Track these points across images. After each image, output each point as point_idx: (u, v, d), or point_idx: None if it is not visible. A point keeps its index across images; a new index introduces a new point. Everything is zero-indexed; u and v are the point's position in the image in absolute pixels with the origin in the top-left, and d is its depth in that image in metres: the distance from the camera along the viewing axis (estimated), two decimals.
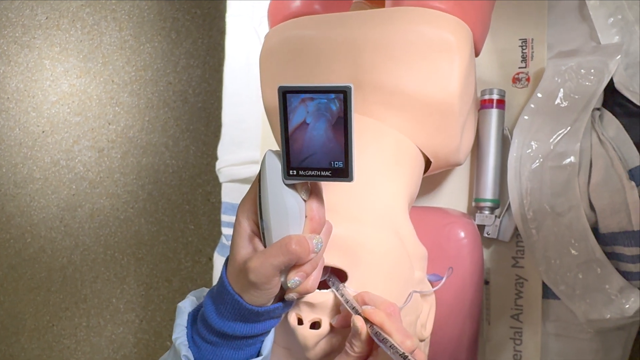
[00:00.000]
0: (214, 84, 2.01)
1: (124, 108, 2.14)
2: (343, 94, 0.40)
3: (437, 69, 0.62)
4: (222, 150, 1.01)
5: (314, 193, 0.46)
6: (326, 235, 0.47)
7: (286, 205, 0.44)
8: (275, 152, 0.45)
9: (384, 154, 0.63)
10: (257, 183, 0.45)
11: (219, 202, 1.95)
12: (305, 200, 0.45)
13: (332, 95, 0.40)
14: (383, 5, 0.72)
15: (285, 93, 0.41)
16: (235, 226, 0.46)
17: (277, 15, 0.72)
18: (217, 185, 1.94)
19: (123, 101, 2.14)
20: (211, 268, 1.96)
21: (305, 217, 0.46)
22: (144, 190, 2.08)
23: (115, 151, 2.14)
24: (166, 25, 2.12)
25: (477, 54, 0.70)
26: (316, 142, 0.42)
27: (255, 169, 0.97)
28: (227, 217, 0.99)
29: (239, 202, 1.02)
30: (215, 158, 1.03)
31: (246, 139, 0.98)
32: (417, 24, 0.62)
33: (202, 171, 2.00)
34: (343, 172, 0.42)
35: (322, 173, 0.43)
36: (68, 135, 2.23)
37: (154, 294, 2.04)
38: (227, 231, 0.99)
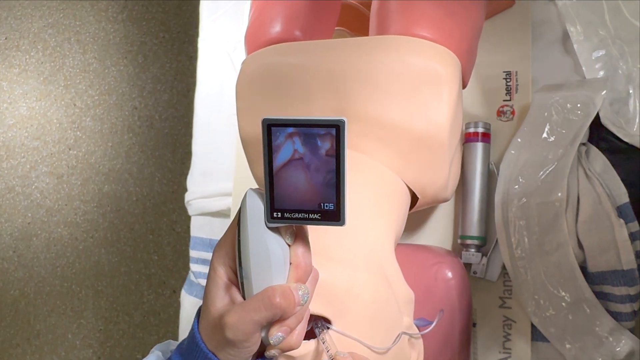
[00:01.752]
0: (182, 110, 1.97)
1: (86, 133, 2.07)
2: (335, 129, 0.36)
3: (426, 101, 0.58)
4: (191, 181, 0.96)
5: (300, 237, 0.41)
6: (312, 283, 0.42)
7: (269, 251, 0.40)
8: (256, 191, 0.41)
9: (369, 190, 0.59)
10: (236, 225, 0.41)
11: (185, 231, 1.91)
12: (289, 245, 0.41)
13: (323, 131, 0.37)
14: (366, 34, 0.69)
15: (270, 126, 0.37)
16: (210, 273, 0.41)
17: (255, 41, 0.68)
18: (183, 214, 1.90)
19: (85, 126, 2.07)
20: (175, 301, 1.89)
21: (290, 263, 0.41)
22: (105, 219, 2.00)
23: (75, 177, 2.06)
24: (133, 49, 2.08)
25: (464, 86, 0.67)
26: (304, 182, 0.38)
27: (228, 202, 0.92)
28: (195, 253, 0.93)
29: (209, 236, 0.98)
30: (182, 186, 0.97)
31: (218, 169, 0.93)
32: (404, 53, 0.59)
33: (167, 199, 1.94)
34: (334, 215, 0.38)
35: (311, 216, 0.39)
36: (25, 160, 2.14)
37: (113, 329, 1.94)
38: (195, 268, 0.93)
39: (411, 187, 0.63)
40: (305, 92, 0.62)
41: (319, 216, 0.38)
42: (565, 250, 0.72)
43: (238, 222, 0.41)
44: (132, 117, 2.03)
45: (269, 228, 0.40)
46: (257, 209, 0.40)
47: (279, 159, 0.38)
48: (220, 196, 0.92)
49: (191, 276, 0.94)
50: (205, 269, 0.92)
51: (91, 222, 2.02)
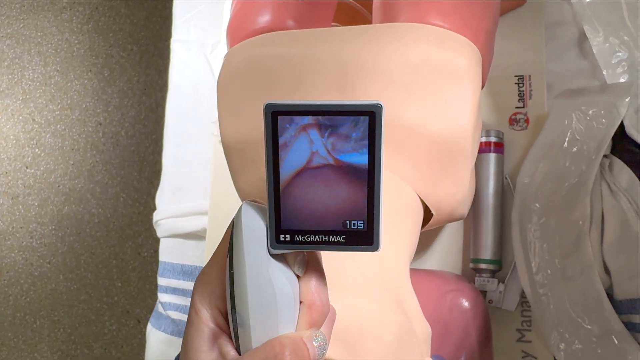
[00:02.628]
0: (150, 126, 1.87)
1: (45, 150, 1.95)
2: (369, 117, 0.27)
3: (446, 99, 0.49)
4: (161, 198, 0.85)
5: (312, 265, 0.31)
6: (329, 327, 0.32)
7: (273, 287, 0.29)
8: (255, 205, 0.30)
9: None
10: (227, 252, 0.30)
11: (152, 256, 1.79)
12: (299, 277, 0.30)
13: (350, 120, 0.27)
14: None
15: (275, 115, 0.27)
16: (191, 317, 0.30)
17: (241, 33, 0.58)
18: (150, 238, 1.79)
19: (44, 142, 1.96)
20: (140, 332, 1.77)
21: (300, 302, 0.30)
22: (64, 243, 1.89)
23: (32, 198, 1.94)
24: (98, 62, 1.99)
25: (482, 85, 0.58)
26: (323, 191, 0.28)
27: (203, 222, 0.80)
28: (164, 281, 0.82)
29: (180, 261, 0.86)
30: (149, 207, 0.86)
31: (192, 185, 0.82)
32: (420, 43, 0.50)
33: (132, 221, 1.85)
34: (364, 238, 0.29)
35: (332, 238, 0.29)
36: None
37: None
38: (164, 298, 0.81)
39: (425, 201, 0.54)
40: (300, 87, 0.52)
41: (343, 239, 0.29)
42: (591, 275, 0.64)
43: (230, 249, 0.30)
44: (96, 133, 1.93)
45: (272, 256, 0.29)
46: (256, 230, 0.29)
47: (288, 160, 0.28)
48: (194, 215, 0.81)
49: (159, 307, 0.82)
50: (176, 299, 0.81)
51: (48, 247, 1.90)
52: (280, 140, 0.27)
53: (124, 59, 1.95)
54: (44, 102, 1.99)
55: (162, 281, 0.82)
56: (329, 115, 0.27)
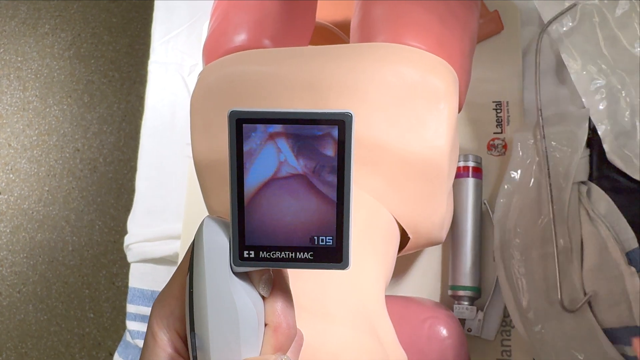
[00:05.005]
0: (129, 153, 1.85)
1: (19, 176, 1.91)
2: (338, 126, 0.25)
3: (422, 119, 0.49)
4: (133, 222, 0.82)
5: (278, 285, 0.29)
6: (296, 352, 0.29)
7: (236, 308, 0.27)
8: (218, 220, 0.29)
9: (356, 226, 0.48)
10: (187, 271, 0.28)
11: (126, 286, 1.75)
12: (264, 298, 0.29)
13: (320, 130, 0.25)
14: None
15: (240, 123, 0.25)
16: (148, 341, 0.28)
17: (216, 52, 0.57)
18: (125, 266, 1.74)
19: (20, 168, 1.92)
20: None
21: (265, 325, 0.28)
22: (36, 271, 1.83)
23: (4, 225, 1.89)
24: (79, 88, 1.98)
25: (459, 109, 0.58)
26: (290, 206, 0.27)
27: (175, 247, 0.78)
28: (133, 308, 0.78)
29: (150, 288, 0.83)
30: (125, 234, 0.83)
31: (165, 208, 0.80)
32: (397, 63, 0.50)
33: (107, 250, 1.81)
34: (333, 255, 0.27)
35: (299, 255, 0.27)
36: None
37: None
38: (132, 326, 0.78)
39: (402, 224, 0.52)
40: (274, 105, 0.51)
41: (311, 255, 0.27)
42: (582, 307, 0.62)
43: (190, 266, 0.28)
44: (73, 159, 1.90)
45: (235, 274, 0.28)
46: (219, 246, 0.27)
47: (254, 171, 0.26)
48: (167, 239, 0.79)
49: (127, 336, 0.78)
50: (145, 327, 0.77)
51: (19, 275, 1.84)
52: (245, 149, 0.26)
53: (105, 85, 1.94)
54: (21, 127, 1.96)
55: (131, 308, 0.79)
56: (297, 124, 0.25)
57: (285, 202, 0.26)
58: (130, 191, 1.91)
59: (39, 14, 2.09)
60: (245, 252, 0.27)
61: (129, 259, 0.82)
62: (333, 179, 0.26)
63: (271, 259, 0.27)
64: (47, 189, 1.88)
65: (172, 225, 0.79)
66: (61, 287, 1.80)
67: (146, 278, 0.80)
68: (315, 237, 0.27)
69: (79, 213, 1.84)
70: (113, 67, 1.96)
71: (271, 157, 0.26)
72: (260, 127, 0.25)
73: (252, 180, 0.26)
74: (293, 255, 0.27)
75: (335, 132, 0.25)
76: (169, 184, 0.81)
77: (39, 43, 2.06)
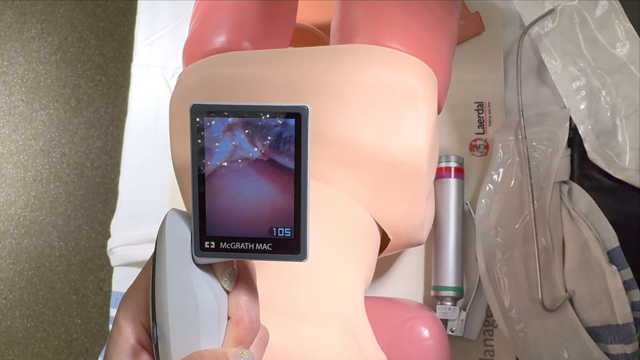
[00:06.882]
0: (116, 157, 1.84)
1: (6, 181, 1.90)
2: (295, 119, 0.26)
3: (401, 120, 0.49)
4: (116, 225, 0.82)
5: (243, 280, 0.29)
6: (260, 348, 0.29)
7: (196, 298, 0.27)
8: (182, 212, 0.29)
9: (334, 227, 0.48)
10: (152, 264, 0.28)
11: None
12: (228, 292, 0.29)
13: (277, 121, 0.26)
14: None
15: (201, 115, 0.26)
16: (112, 332, 0.28)
17: (196, 54, 0.57)
18: (113, 271, 1.74)
19: (5, 173, 1.91)
20: None
21: (228, 318, 0.29)
22: (22, 277, 1.82)
23: None
24: (65, 92, 1.96)
25: (439, 110, 0.58)
26: (249, 196, 0.27)
27: None
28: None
29: None
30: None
31: (148, 211, 0.80)
32: (376, 64, 0.50)
33: (95, 255, 1.80)
34: (291, 246, 0.27)
35: (258, 246, 0.27)
36: None
37: None
38: None
39: (382, 225, 0.52)
40: None
41: (269, 247, 0.27)
42: (563, 305, 0.63)
43: (153, 258, 0.28)
44: (60, 164, 1.89)
45: (197, 265, 0.28)
46: (180, 237, 0.28)
47: (214, 161, 0.27)
48: (149, 243, 0.78)
49: None
50: None
51: (5, 281, 1.83)
52: (206, 142, 0.26)
53: (92, 90, 1.93)
54: (7, 132, 1.95)
55: (114, 312, 0.78)
56: (255, 117, 0.26)
57: (243, 192, 0.27)
58: (118, 196, 1.91)
59: (25, 18, 2.08)
60: (207, 243, 0.27)
61: (113, 262, 0.82)
62: (290, 169, 0.26)
63: (231, 250, 0.27)
64: (33, 194, 1.87)
65: (154, 229, 0.78)
66: (48, 293, 1.78)
67: (129, 282, 0.79)
68: (274, 229, 0.27)
69: (66, 218, 1.83)
70: (100, 71, 1.95)
71: (227, 146, 0.26)
72: (220, 119, 0.26)
73: (211, 169, 0.27)
74: (252, 246, 0.27)
75: (292, 124, 0.26)
76: (151, 186, 0.81)
77: (25, 47, 2.04)
